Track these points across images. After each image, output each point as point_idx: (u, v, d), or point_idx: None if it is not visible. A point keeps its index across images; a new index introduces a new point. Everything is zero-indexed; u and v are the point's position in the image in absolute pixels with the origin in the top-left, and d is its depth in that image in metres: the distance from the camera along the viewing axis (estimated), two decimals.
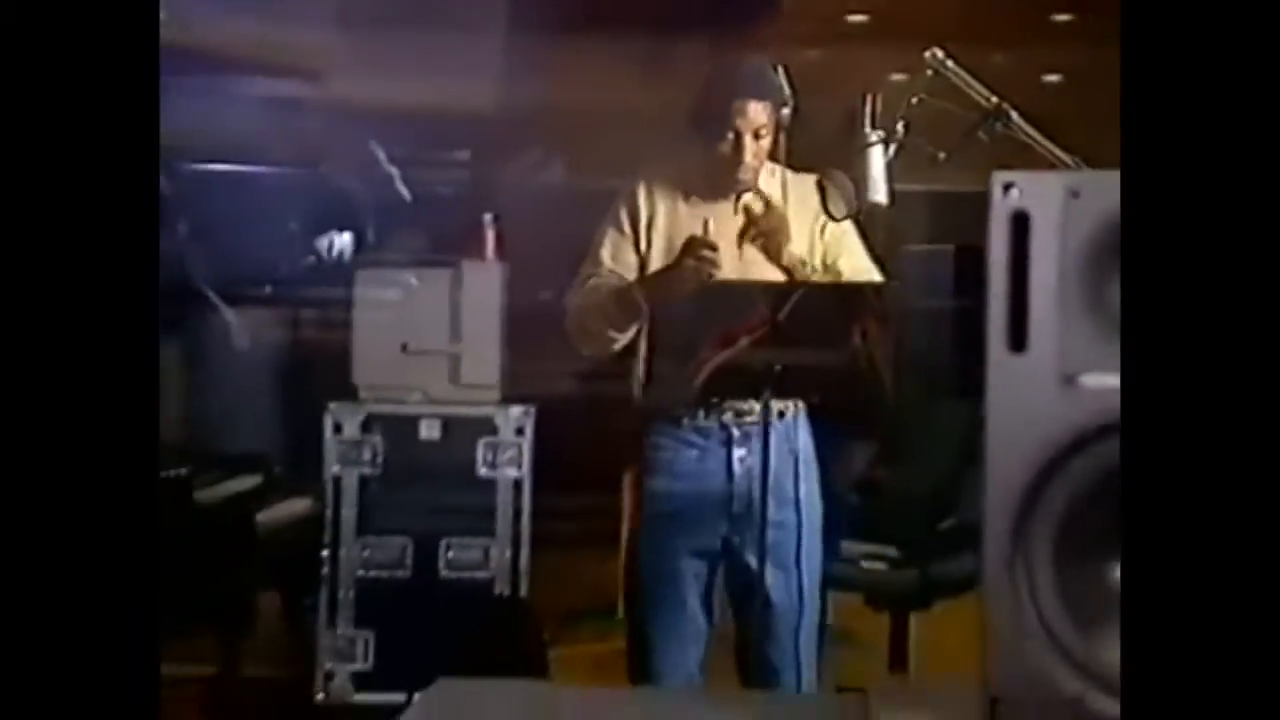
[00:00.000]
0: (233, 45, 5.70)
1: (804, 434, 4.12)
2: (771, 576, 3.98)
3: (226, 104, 5.68)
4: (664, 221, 4.14)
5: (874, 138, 4.86)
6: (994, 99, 4.73)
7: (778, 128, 4.06)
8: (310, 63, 5.63)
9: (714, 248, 3.88)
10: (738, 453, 4.03)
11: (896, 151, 4.96)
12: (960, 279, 4.85)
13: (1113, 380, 1.56)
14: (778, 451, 3.99)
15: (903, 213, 4.96)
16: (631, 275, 4.08)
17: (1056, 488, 1.55)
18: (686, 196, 4.16)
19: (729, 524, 4.06)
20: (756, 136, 4.04)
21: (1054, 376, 1.55)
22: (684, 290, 3.97)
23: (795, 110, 4.13)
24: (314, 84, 5.71)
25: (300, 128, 5.75)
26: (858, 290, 4.50)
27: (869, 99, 4.94)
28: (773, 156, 4.10)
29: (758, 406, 3.98)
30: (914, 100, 4.89)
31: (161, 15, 5.54)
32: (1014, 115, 4.76)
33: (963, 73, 4.87)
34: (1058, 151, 4.39)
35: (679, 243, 4.04)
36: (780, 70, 4.20)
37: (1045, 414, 1.57)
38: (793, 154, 4.22)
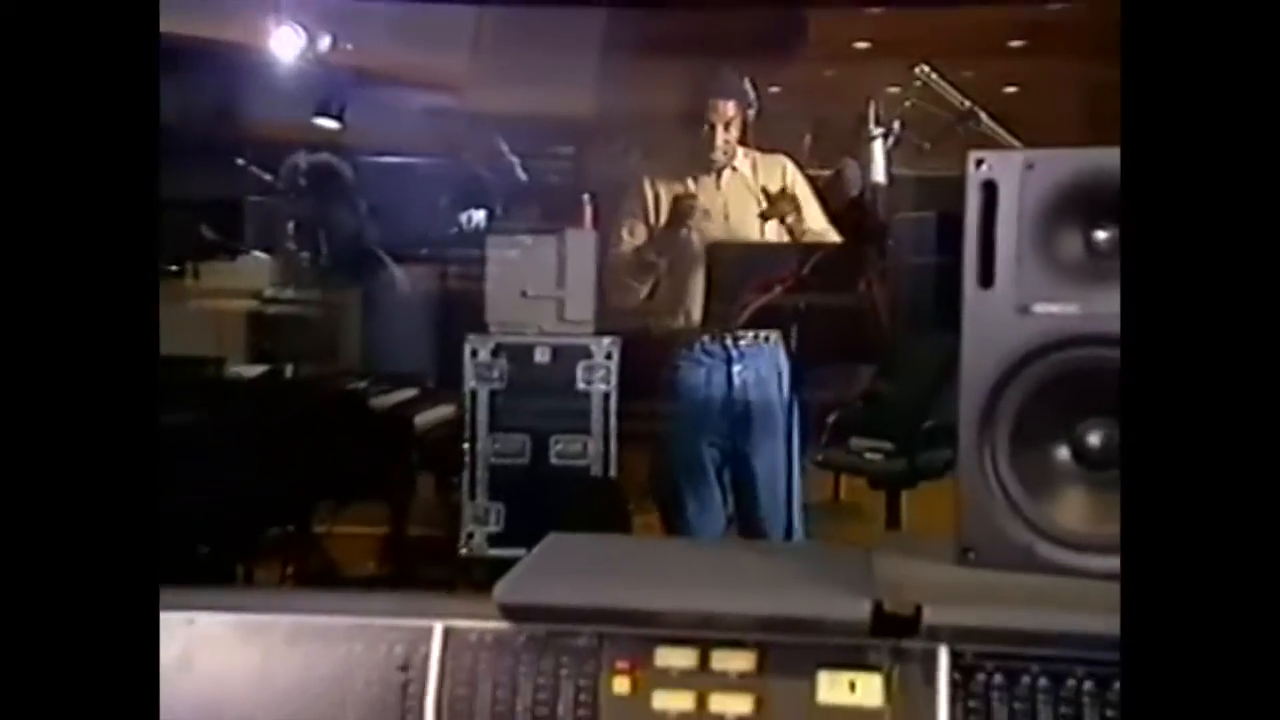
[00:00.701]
0: (398, 68, 5.82)
1: (783, 356, 4.40)
2: (754, 455, 4.43)
3: (393, 112, 5.81)
4: (666, 199, 4.47)
5: (876, 133, 5.23)
6: (966, 104, 5.04)
7: (744, 121, 4.46)
8: (454, 81, 5.73)
9: (694, 197, 4.35)
10: (736, 368, 4.39)
11: (893, 144, 5.33)
12: (941, 240, 4.89)
13: (1056, 309, 1.61)
14: (766, 367, 4.41)
15: (898, 190, 5.32)
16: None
17: (1013, 389, 1.63)
18: (681, 178, 4.51)
19: (730, 422, 4.41)
20: (726, 128, 4.42)
21: (1012, 306, 1.61)
22: (681, 241, 4.42)
23: (759, 109, 4.51)
24: (456, 96, 5.86)
25: (447, 129, 5.89)
26: (862, 250, 4.91)
27: (872, 104, 5.28)
28: (743, 142, 4.49)
29: (750, 334, 4.38)
30: (906, 105, 5.22)
31: (346, 44, 5.91)
32: (982, 116, 5.07)
33: (943, 84, 5.14)
34: (1014, 142, 4.73)
35: (684, 216, 4.41)
36: (746, 79, 4.57)
37: (1005, 334, 1.63)
38: (765, 140, 4.63)
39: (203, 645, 1.69)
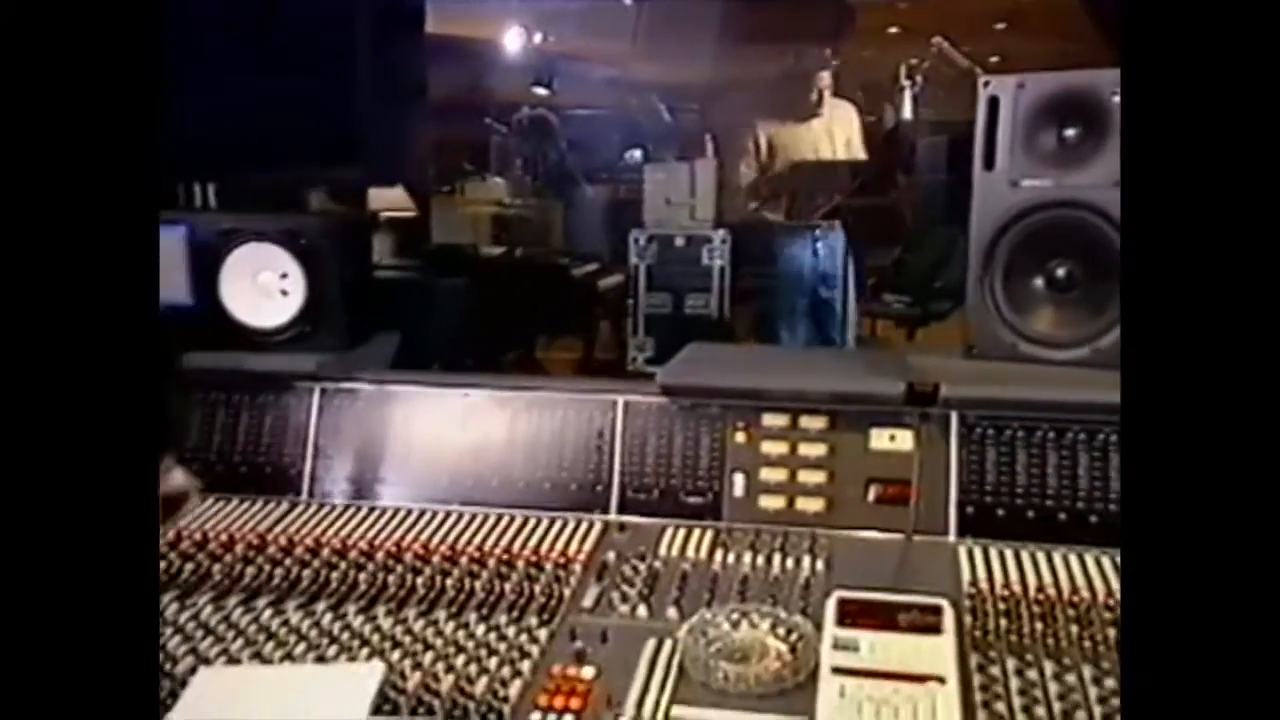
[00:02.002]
0: (585, 51, 5.96)
1: (840, 236, 4.63)
2: (829, 299, 4.68)
3: (582, 81, 5.94)
4: (764, 140, 4.71)
5: (905, 86, 5.32)
6: (967, 64, 5.17)
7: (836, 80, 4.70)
8: (621, 58, 5.86)
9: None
10: (819, 245, 4.60)
11: (917, 93, 5.40)
12: (950, 159, 4.74)
13: (1036, 184, 1.60)
14: (836, 244, 4.62)
15: (920, 125, 5.36)
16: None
17: (1006, 239, 1.62)
18: (784, 122, 4.74)
19: (814, 278, 4.65)
20: (820, 90, 4.67)
21: (1006, 182, 1.59)
22: (777, 166, 4.70)
23: (837, 74, 4.73)
24: (623, 69, 5.94)
25: (617, 91, 5.97)
26: (895, 166, 5.12)
27: (902, 67, 5.31)
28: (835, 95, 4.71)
29: (824, 223, 4.66)
30: (925, 65, 5.32)
31: (552, 37, 6.02)
32: (978, 72, 5.19)
33: (951, 52, 5.24)
34: None
35: (781, 149, 4.71)
36: (828, 53, 4.80)
37: (1001, 201, 1.61)
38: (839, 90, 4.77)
39: (472, 409, 1.75)
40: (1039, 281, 1.61)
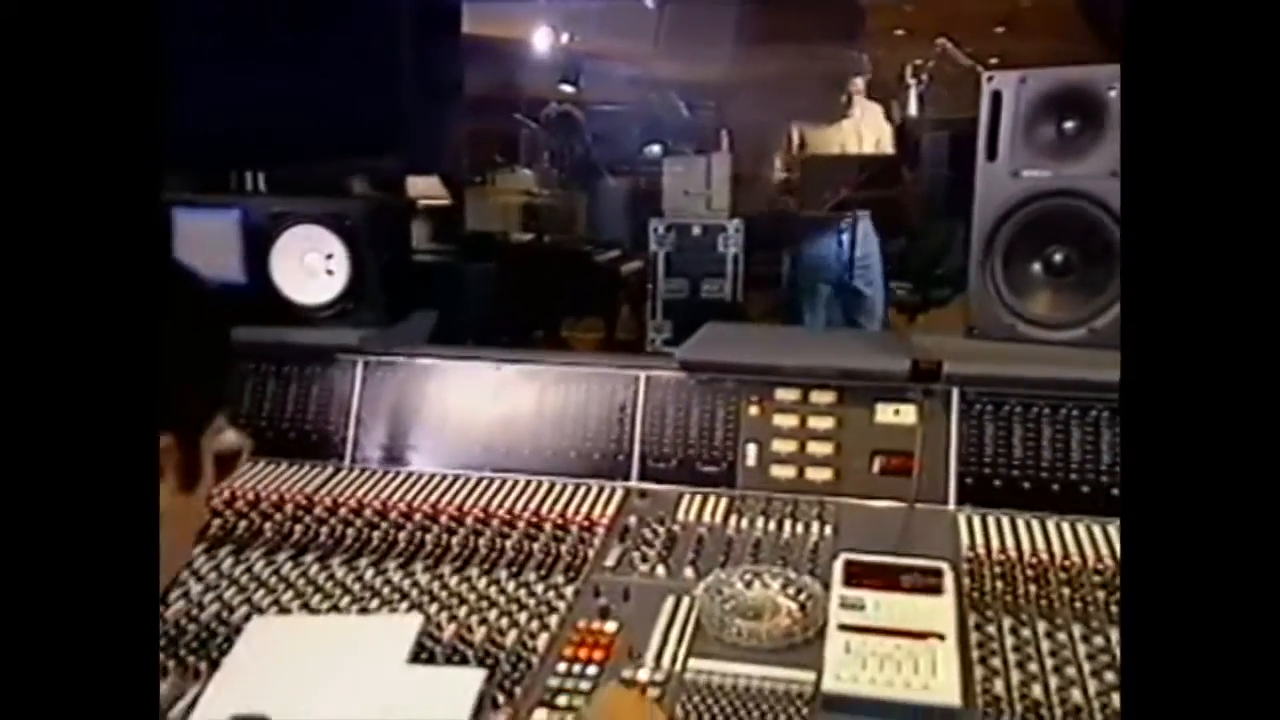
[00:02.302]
0: (609, 50, 5.88)
1: (870, 225, 4.54)
2: (864, 287, 4.60)
3: (606, 78, 5.85)
4: (796, 137, 4.72)
5: (912, 84, 5.25)
6: (969, 64, 5.11)
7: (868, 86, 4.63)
8: (643, 57, 5.78)
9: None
10: (844, 236, 4.51)
11: (922, 92, 5.34)
12: (952, 154, 4.80)
13: (1035, 174, 1.56)
14: (863, 232, 4.52)
15: (924, 122, 5.31)
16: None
17: (1006, 226, 1.59)
18: (816, 124, 4.72)
19: (842, 266, 4.56)
20: (852, 93, 4.62)
21: (1007, 172, 1.56)
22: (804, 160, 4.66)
23: (870, 78, 4.66)
24: (645, 67, 5.85)
25: (639, 88, 5.85)
26: (901, 161, 5.07)
27: (908, 67, 5.25)
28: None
29: (860, 213, 4.53)
30: (930, 64, 5.26)
31: (578, 37, 5.93)
32: (980, 71, 5.15)
33: (955, 52, 5.19)
34: None
35: (813, 146, 4.69)
36: (865, 58, 4.75)
37: (1002, 190, 1.57)
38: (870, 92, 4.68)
39: (504, 382, 1.76)
40: (1037, 266, 1.60)
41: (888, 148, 4.73)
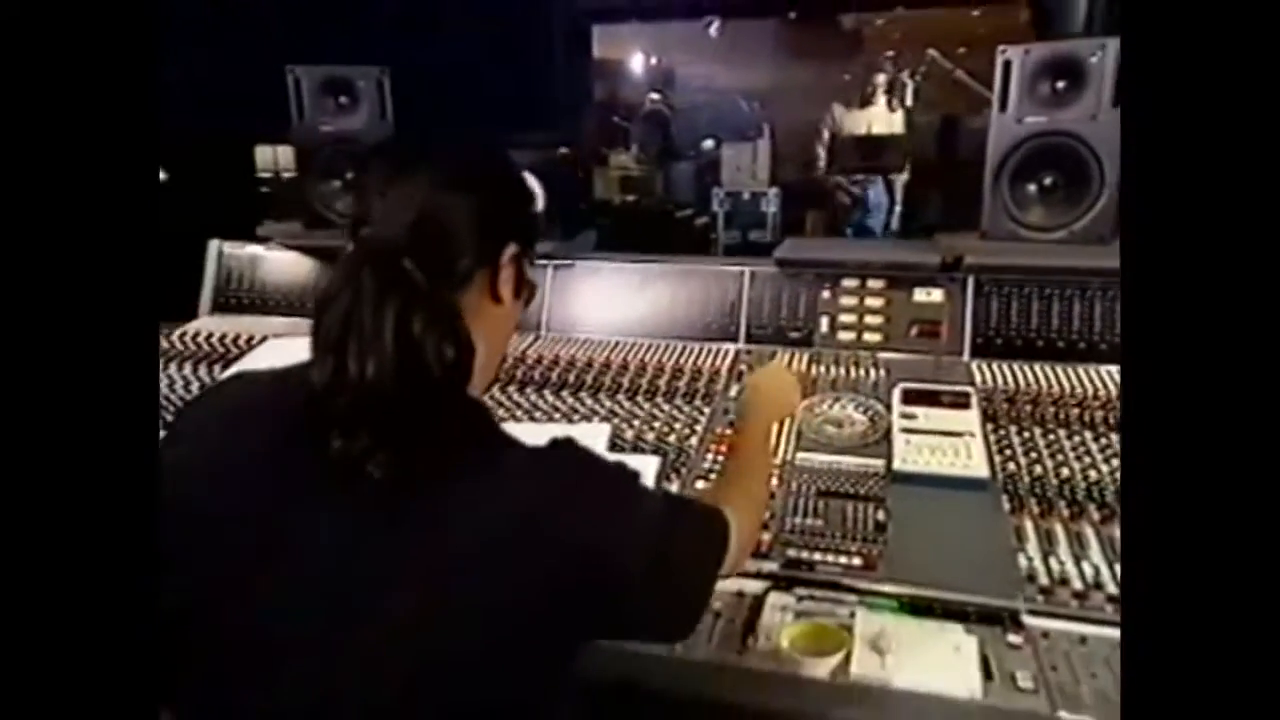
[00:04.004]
0: (685, 64, 5.80)
1: (881, 185, 4.39)
2: (875, 228, 4.40)
3: (685, 86, 5.79)
4: (840, 123, 4.55)
5: (908, 83, 5.02)
6: (949, 66, 4.86)
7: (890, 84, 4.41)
8: (708, 72, 5.69)
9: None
10: (869, 191, 4.43)
11: (916, 91, 5.10)
12: (940, 141, 4.75)
13: (1033, 120, 1.46)
14: (874, 192, 4.40)
15: (918, 116, 5.08)
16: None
17: (1011, 158, 1.49)
18: (849, 108, 4.51)
19: (863, 211, 4.43)
20: (875, 88, 4.44)
21: (1014, 119, 1.47)
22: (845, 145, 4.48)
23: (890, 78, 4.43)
24: (710, 79, 5.72)
25: (707, 93, 5.78)
26: (905, 139, 4.82)
27: (904, 72, 5.05)
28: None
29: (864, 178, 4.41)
30: (922, 69, 5.02)
31: (663, 57, 5.78)
32: (964, 78, 4.89)
33: (941, 60, 4.94)
34: (983, 90, 4.47)
35: (846, 130, 4.47)
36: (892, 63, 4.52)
37: (1010, 132, 1.47)
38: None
39: (647, 275, 1.70)
40: (1032, 187, 1.53)
41: (900, 129, 4.53)
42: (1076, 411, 1.30)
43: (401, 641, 0.55)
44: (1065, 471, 1.17)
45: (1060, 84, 1.47)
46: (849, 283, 1.60)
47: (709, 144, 5.44)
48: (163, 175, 2.05)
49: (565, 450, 0.64)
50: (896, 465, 1.18)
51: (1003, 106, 1.49)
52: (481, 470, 0.60)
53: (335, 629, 0.56)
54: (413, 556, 0.57)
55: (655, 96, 5.53)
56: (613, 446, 1.31)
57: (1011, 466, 1.19)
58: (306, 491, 0.59)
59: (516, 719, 0.60)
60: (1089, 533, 1.05)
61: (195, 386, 1.54)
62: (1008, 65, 1.47)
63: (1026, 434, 1.27)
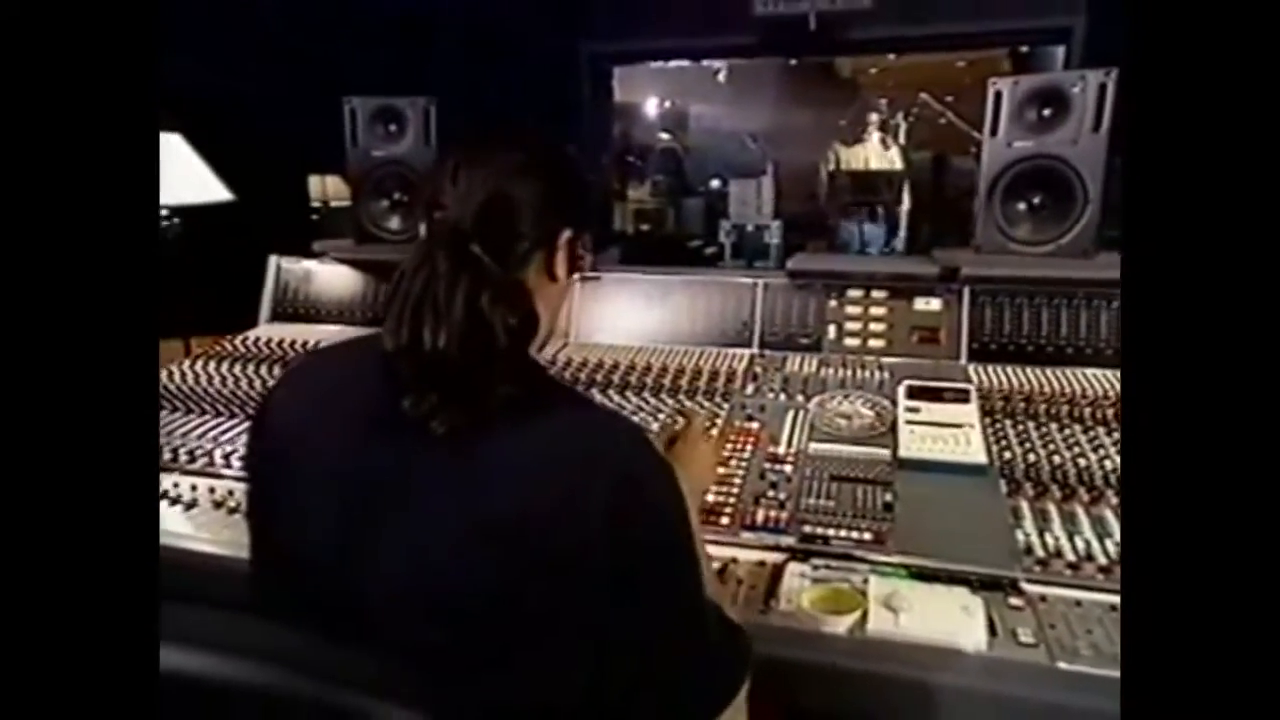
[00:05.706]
0: (694, 106, 5.85)
1: (879, 215, 4.50)
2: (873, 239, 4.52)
3: (694, 127, 5.75)
4: (840, 159, 4.66)
5: (901, 124, 5.13)
6: (948, 113, 4.97)
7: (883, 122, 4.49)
8: (716, 114, 5.84)
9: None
10: (867, 226, 4.53)
11: (908, 131, 5.20)
12: (933, 174, 4.86)
13: (1021, 144, 1.48)
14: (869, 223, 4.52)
15: (911, 153, 5.15)
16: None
17: (1001, 179, 1.52)
18: (850, 145, 4.63)
19: (860, 243, 4.49)
20: (868, 126, 4.54)
21: (1004, 144, 1.50)
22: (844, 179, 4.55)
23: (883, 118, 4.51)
24: (717, 121, 5.68)
25: (715, 134, 5.87)
26: (900, 174, 4.91)
27: (899, 113, 5.16)
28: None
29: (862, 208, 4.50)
30: (915, 110, 5.12)
31: (674, 101, 5.91)
32: (953, 119, 5.00)
33: (932, 101, 5.05)
34: (973, 132, 4.54)
35: (846, 162, 4.58)
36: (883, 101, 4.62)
37: (1000, 155, 1.51)
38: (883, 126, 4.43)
39: (668, 287, 1.72)
40: (1021, 205, 1.55)
41: (897, 164, 4.62)
42: (1066, 408, 1.32)
43: (481, 541, 0.59)
44: (1057, 459, 1.20)
45: (1046, 111, 1.51)
46: (854, 293, 1.63)
47: (716, 183, 5.50)
48: (230, 197, 2.10)
49: (618, 414, 0.70)
50: (902, 453, 1.21)
51: (994, 132, 1.53)
52: (539, 411, 0.63)
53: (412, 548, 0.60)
54: (479, 480, 0.60)
55: (666, 136, 5.63)
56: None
57: (1008, 454, 1.22)
58: (391, 442, 0.63)
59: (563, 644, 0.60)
60: (1080, 512, 1.07)
61: (258, 384, 1.58)
62: (999, 95, 1.52)
63: (1021, 426, 1.30)
